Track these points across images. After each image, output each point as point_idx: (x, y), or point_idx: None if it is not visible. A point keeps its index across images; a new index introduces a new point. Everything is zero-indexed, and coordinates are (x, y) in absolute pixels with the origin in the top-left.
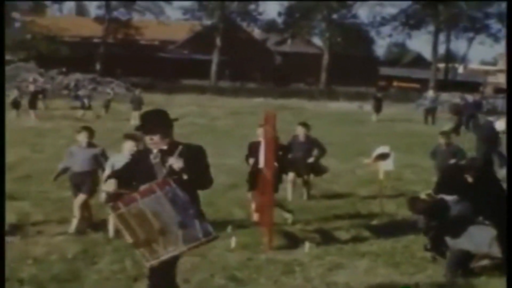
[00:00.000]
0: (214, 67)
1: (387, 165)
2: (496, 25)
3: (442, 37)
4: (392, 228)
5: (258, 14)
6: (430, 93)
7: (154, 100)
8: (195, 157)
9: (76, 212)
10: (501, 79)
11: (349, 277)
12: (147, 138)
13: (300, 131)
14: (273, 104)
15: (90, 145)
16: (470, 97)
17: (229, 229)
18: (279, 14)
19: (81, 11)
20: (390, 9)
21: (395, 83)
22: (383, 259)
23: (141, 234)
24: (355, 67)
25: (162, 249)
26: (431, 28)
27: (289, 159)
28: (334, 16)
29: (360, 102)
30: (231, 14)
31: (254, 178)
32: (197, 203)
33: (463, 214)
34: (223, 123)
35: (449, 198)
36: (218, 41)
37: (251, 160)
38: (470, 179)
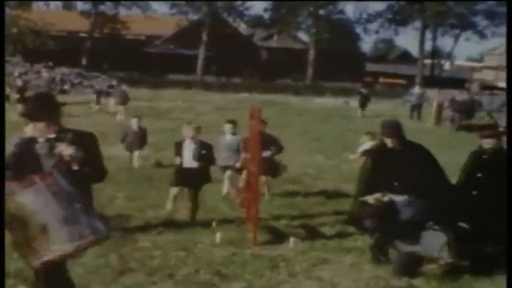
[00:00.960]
0: (200, 62)
1: None
2: (482, 22)
3: (428, 33)
4: None
5: (244, 9)
6: (416, 89)
7: (140, 95)
8: (87, 146)
9: None
10: (487, 75)
11: (334, 273)
12: (31, 126)
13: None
14: (259, 99)
15: None
16: (456, 93)
17: (214, 224)
18: (265, 9)
19: (67, 6)
20: (377, 6)
21: (381, 79)
22: (368, 255)
23: (19, 231)
24: (341, 63)
25: (44, 248)
26: (418, 24)
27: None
28: (321, 12)
29: (346, 98)
30: (217, 9)
31: (178, 176)
32: (89, 197)
33: (413, 217)
34: (209, 118)
35: (398, 200)
36: (204, 36)
37: (178, 159)
38: (389, 143)
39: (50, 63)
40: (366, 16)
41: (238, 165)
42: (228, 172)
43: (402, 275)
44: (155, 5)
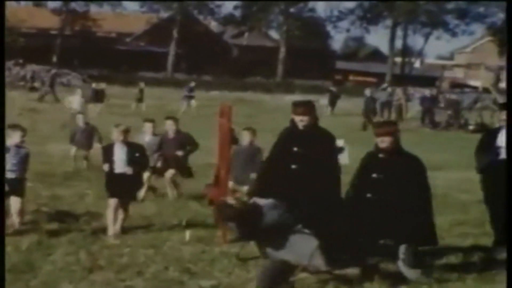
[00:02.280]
0: (170, 60)
1: (342, 159)
2: (453, 21)
3: (399, 31)
4: None
5: (215, 7)
6: (386, 88)
7: (111, 92)
8: None
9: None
10: (458, 74)
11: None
12: None
13: (170, 127)
14: (230, 96)
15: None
16: (427, 92)
17: (183, 222)
18: (235, 7)
19: (38, 3)
20: (348, 4)
21: (351, 77)
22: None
23: None
24: (311, 61)
25: None
26: (389, 22)
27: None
28: (292, 9)
29: (316, 96)
30: (188, 6)
31: (110, 185)
32: None
33: (280, 220)
34: (179, 115)
35: (264, 202)
36: (175, 34)
37: (106, 166)
38: (300, 121)
39: (21, 60)
40: (337, 14)
41: (158, 165)
42: (147, 174)
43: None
44: (125, 3)
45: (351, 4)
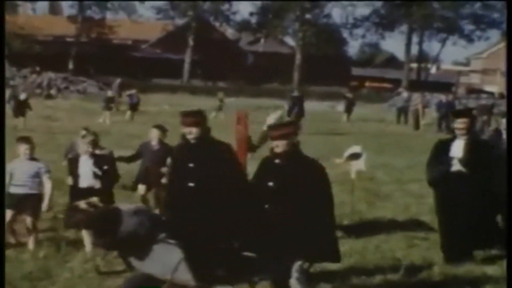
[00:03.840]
0: (186, 67)
1: (359, 165)
2: (469, 26)
3: (415, 37)
4: (363, 228)
5: (231, 13)
6: (403, 93)
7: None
8: None
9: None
10: (474, 79)
11: (321, 277)
12: None
13: (154, 135)
14: (246, 103)
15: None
16: (443, 97)
17: None
18: (251, 14)
19: (54, 10)
20: (363, 10)
21: (367, 84)
22: (354, 259)
23: None
24: (327, 67)
25: None
26: (404, 28)
27: (140, 170)
28: (307, 16)
29: (332, 102)
30: (204, 13)
31: (77, 199)
32: None
33: (140, 229)
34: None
35: (124, 208)
36: (190, 41)
37: (70, 179)
38: (189, 133)
39: (37, 68)
40: (352, 20)
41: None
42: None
43: None
44: (141, 10)
45: (366, 11)
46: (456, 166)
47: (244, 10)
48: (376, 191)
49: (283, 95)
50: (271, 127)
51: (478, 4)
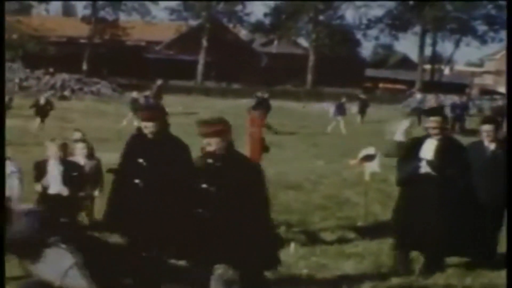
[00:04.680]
0: (200, 68)
1: (373, 167)
2: (482, 27)
3: (428, 39)
4: (378, 230)
5: (244, 15)
6: (417, 95)
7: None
8: None
9: None
10: (488, 80)
11: (335, 278)
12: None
13: (79, 150)
14: None
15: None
16: (456, 99)
17: None
18: (265, 15)
19: (67, 12)
20: (377, 11)
21: (381, 85)
22: (369, 261)
23: None
24: (341, 69)
25: None
26: (418, 29)
27: None
28: (321, 17)
29: (346, 104)
30: (217, 14)
31: (44, 206)
32: None
33: (28, 231)
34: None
35: (17, 209)
36: (204, 42)
37: (38, 186)
38: (146, 127)
39: (51, 69)
40: (365, 21)
41: None
42: None
43: None
44: (155, 11)
45: (380, 12)
46: (424, 168)
47: (258, 12)
48: (390, 193)
49: (297, 97)
50: (202, 123)
51: (491, 5)
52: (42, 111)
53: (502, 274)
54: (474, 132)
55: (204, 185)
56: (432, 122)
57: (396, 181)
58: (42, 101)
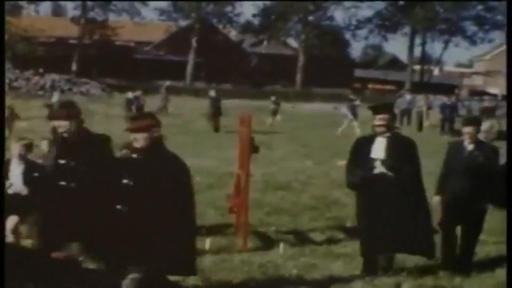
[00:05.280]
0: (189, 68)
1: None
2: (471, 28)
3: (418, 39)
4: None
5: (234, 15)
6: (406, 95)
7: None
8: None
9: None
10: (477, 81)
11: (323, 279)
12: None
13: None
14: (249, 105)
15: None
16: (446, 99)
17: (203, 230)
18: (254, 15)
19: (57, 12)
20: (366, 12)
21: (370, 85)
22: (357, 261)
23: None
24: (330, 69)
25: None
26: (407, 30)
27: None
28: (310, 18)
29: (335, 104)
30: (207, 15)
31: (7, 203)
32: None
33: None
34: (199, 124)
35: None
36: (194, 42)
37: (8, 183)
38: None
39: (40, 70)
40: (355, 22)
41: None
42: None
43: None
44: (144, 12)
45: (369, 13)
46: (378, 169)
47: (247, 12)
48: None
49: (287, 97)
50: (129, 118)
51: (481, 6)
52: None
53: (495, 275)
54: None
55: (125, 181)
56: (379, 120)
57: (347, 184)
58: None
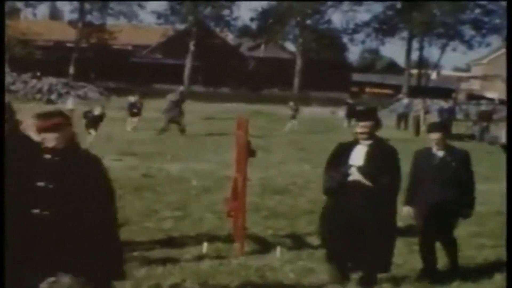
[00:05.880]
0: (187, 72)
1: None
2: (469, 32)
3: (415, 43)
4: None
5: (232, 19)
6: (404, 99)
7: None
8: None
9: None
10: (474, 85)
11: (321, 282)
12: None
13: None
14: (246, 109)
15: None
16: (443, 103)
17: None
18: (252, 19)
19: (55, 15)
20: (364, 15)
21: (367, 89)
22: None
23: None
24: (328, 73)
25: None
26: (405, 34)
27: None
28: (308, 21)
29: (333, 108)
30: (204, 19)
31: None
32: None
33: None
34: (196, 128)
35: None
36: (191, 46)
37: None
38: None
39: (38, 73)
40: (353, 26)
41: None
42: None
43: None
44: (142, 15)
45: (367, 16)
46: (354, 175)
47: (245, 16)
48: None
49: (284, 100)
50: (38, 117)
51: (478, 10)
52: (94, 122)
53: (494, 280)
54: (461, 137)
55: (40, 183)
56: (362, 127)
57: (322, 190)
58: (96, 112)
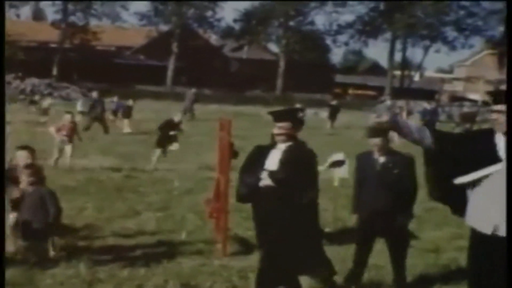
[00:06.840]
0: (170, 73)
1: (341, 173)
2: (452, 33)
3: (398, 45)
4: (345, 236)
5: (215, 20)
6: (387, 101)
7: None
8: None
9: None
10: (457, 87)
11: (305, 284)
12: None
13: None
14: (229, 110)
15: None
16: (426, 105)
17: (183, 235)
18: (235, 20)
19: (38, 16)
20: (347, 17)
21: (351, 91)
22: (337, 266)
23: None
24: (311, 74)
25: None
26: (388, 36)
27: None
28: (291, 23)
29: (316, 109)
30: (188, 20)
31: None
32: None
33: None
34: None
35: None
36: (174, 47)
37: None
38: None
39: (20, 74)
40: (336, 27)
41: None
42: None
43: None
44: (125, 16)
45: (350, 18)
46: (265, 181)
47: (228, 17)
48: None
49: (267, 102)
50: None
51: (461, 11)
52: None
53: None
54: None
55: None
56: (278, 128)
57: (236, 197)
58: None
